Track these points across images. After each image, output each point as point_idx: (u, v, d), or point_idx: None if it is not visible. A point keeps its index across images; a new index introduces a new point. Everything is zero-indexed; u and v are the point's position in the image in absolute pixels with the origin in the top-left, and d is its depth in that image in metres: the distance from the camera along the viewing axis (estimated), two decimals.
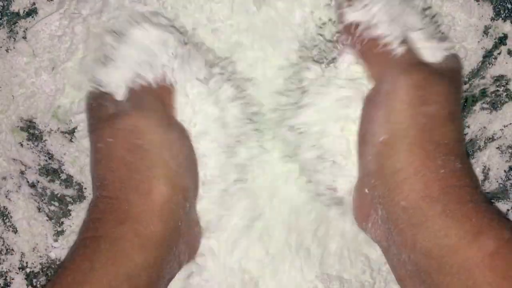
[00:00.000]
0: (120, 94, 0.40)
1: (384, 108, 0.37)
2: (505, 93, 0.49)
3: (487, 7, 0.48)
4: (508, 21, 0.48)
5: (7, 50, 0.48)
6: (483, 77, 0.49)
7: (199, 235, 0.43)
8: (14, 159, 0.48)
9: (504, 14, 0.48)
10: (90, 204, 0.40)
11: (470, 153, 0.49)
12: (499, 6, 0.48)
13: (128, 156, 0.37)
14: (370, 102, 0.39)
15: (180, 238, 0.39)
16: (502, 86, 0.49)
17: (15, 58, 0.48)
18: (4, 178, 0.48)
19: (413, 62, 0.38)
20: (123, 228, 0.37)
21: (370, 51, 0.39)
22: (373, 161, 0.38)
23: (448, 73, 0.38)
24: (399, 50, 0.38)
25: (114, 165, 0.38)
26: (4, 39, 0.48)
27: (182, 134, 0.40)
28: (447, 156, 0.36)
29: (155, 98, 0.39)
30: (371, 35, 0.38)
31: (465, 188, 0.36)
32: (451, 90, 0.38)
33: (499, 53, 0.48)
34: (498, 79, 0.49)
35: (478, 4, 0.48)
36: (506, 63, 0.48)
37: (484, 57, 0.49)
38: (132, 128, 0.37)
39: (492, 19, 0.48)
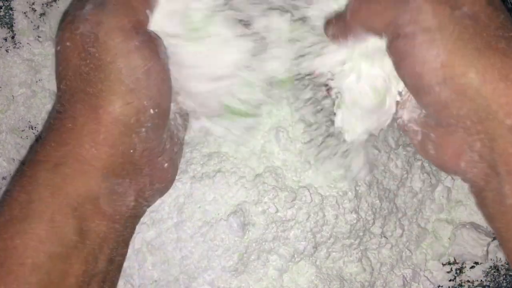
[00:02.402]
0: None
1: (423, 44, 0.31)
2: None
3: None
4: None
5: (7, 50, 0.48)
6: None
7: (170, 169, 0.37)
8: (14, 159, 0.48)
9: None
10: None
11: None
12: None
13: (82, 65, 0.32)
14: (402, 52, 0.32)
15: (135, 168, 0.34)
16: None
17: (15, 58, 0.48)
18: (4, 178, 0.48)
19: None
20: (64, 151, 0.32)
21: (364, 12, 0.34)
22: (444, 95, 0.31)
23: None
24: None
25: (68, 74, 0.33)
26: (4, 39, 0.49)
27: (147, 44, 0.33)
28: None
29: None
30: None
31: None
32: None
33: None
34: None
35: None
36: None
37: None
38: (88, 33, 0.32)
39: None
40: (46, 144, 0.32)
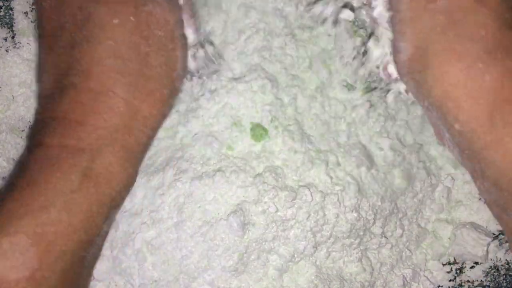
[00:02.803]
0: None
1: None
2: None
3: None
4: None
5: (7, 50, 0.48)
6: None
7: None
8: (14, 159, 0.48)
9: None
10: (57, 103, 0.31)
11: None
12: None
13: (142, 45, 0.31)
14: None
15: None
16: None
17: (15, 58, 0.48)
18: (4, 178, 0.48)
19: None
20: (109, 137, 0.31)
21: None
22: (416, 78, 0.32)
23: None
24: None
25: (122, 51, 0.31)
26: (4, 39, 0.49)
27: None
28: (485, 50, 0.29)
29: None
30: None
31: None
32: None
33: None
34: None
35: None
36: None
37: None
38: (156, 14, 0.32)
39: None
40: (86, 128, 0.30)
